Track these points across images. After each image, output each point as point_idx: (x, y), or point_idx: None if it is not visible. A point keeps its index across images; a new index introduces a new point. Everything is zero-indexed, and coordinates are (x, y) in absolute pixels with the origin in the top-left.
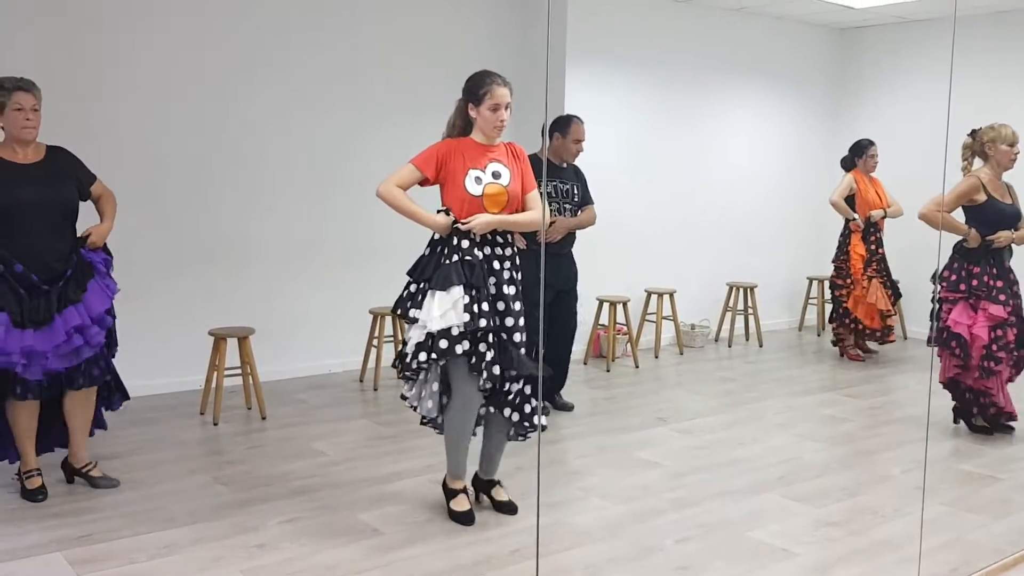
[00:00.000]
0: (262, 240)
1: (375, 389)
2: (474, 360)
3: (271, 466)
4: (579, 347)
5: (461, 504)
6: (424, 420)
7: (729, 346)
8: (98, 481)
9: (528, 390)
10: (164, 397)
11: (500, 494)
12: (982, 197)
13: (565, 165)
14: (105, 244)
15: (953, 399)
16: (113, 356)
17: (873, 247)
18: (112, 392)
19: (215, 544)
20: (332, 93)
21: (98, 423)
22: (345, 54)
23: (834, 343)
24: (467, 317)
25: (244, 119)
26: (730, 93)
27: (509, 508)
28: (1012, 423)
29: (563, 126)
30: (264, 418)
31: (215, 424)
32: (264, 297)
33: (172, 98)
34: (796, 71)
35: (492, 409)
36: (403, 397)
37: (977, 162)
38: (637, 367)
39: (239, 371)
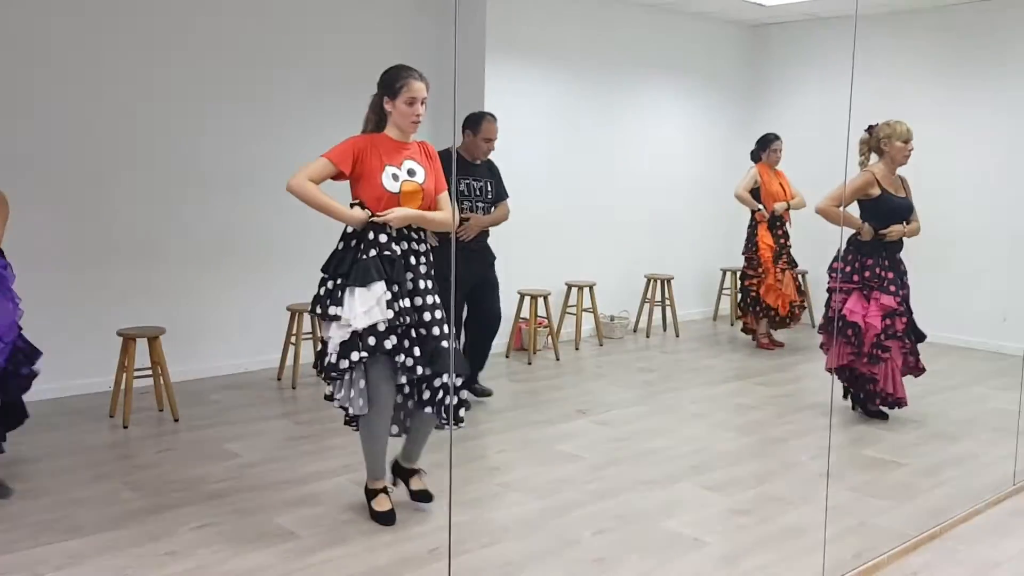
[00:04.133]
0: (172, 236)
1: (293, 388)
2: (396, 357)
3: (183, 470)
4: (501, 340)
5: (382, 504)
6: (348, 420)
7: (647, 337)
8: None
9: (445, 380)
10: (71, 400)
11: (417, 483)
12: (876, 192)
13: (478, 162)
14: (0, 250)
15: (842, 382)
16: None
17: (781, 239)
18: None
19: (123, 553)
20: (245, 86)
21: None
22: (258, 47)
23: (743, 330)
24: (391, 313)
25: (153, 112)
26: (647, 88)
27: (425, 496)
28: (897, 408)
29: (474, 124)
30: (176, 420)
31: (125, 427)
32: (175, 295)
33: (77, 89)
34: (710, 66)
35: (416, 403)
36: (327, 398)
37: (873, 157)
38: (558, 359)
39: (150, 372)
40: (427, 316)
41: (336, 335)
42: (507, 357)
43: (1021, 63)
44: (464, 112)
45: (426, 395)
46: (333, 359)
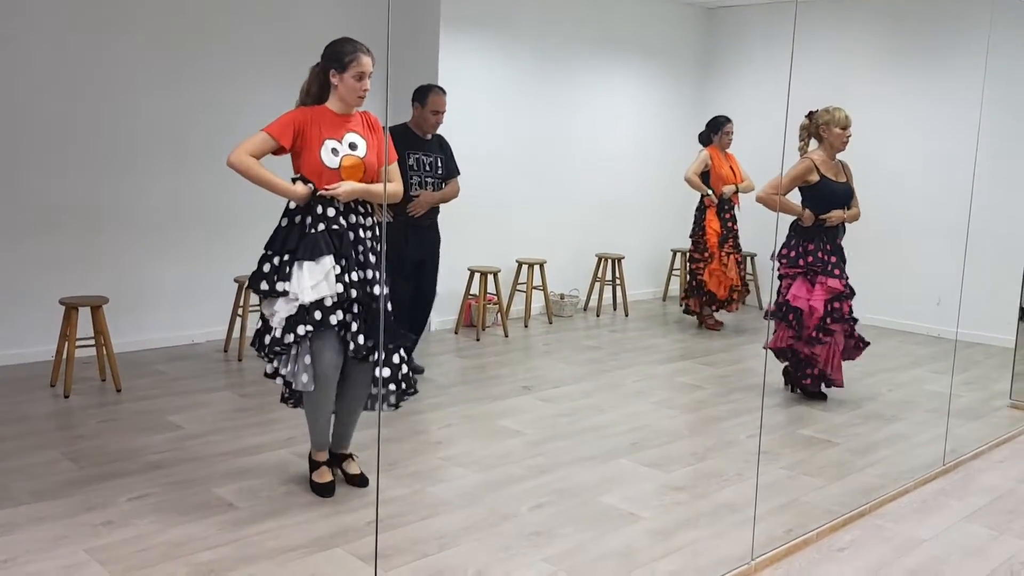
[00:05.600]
0: (118, 203)
1: (239, 360)
2: (343, 331)
3: (124, 440)
4: (450, 317)
5: (322, 476)
6: (285, 398)
7: (597, 315)
8: None
9: (396, 359)
10: (12, 369)
11: (352, 467)
12: (815, 178)
13: (429, 137)
14: None
15: (782, 362)
16: None
17: (728, 224)
18: None
19: (59, 522)
20: (192, 53)
21: None
22: (204, 15)
23: (685, 312)
24: (340, 288)
25: (101, 78)
26: (601, 66)
27: (361, 481)
28: (834, 387)
29: (422, 96)
30: (119, 390)
31: (66, 397)
32: (120, 264)
33: (16, 56)
34: (665, 48)
35: (353, 377)
36: (267, 375)
37: (813, 143)
38: (507, 336)
39: (93, 341)
40: (376, 290)
41: (283, 310)
42: (456, 333)
43: (962, 52)
44: (417, 86)
45: (371, 367)
46: (278, 334)
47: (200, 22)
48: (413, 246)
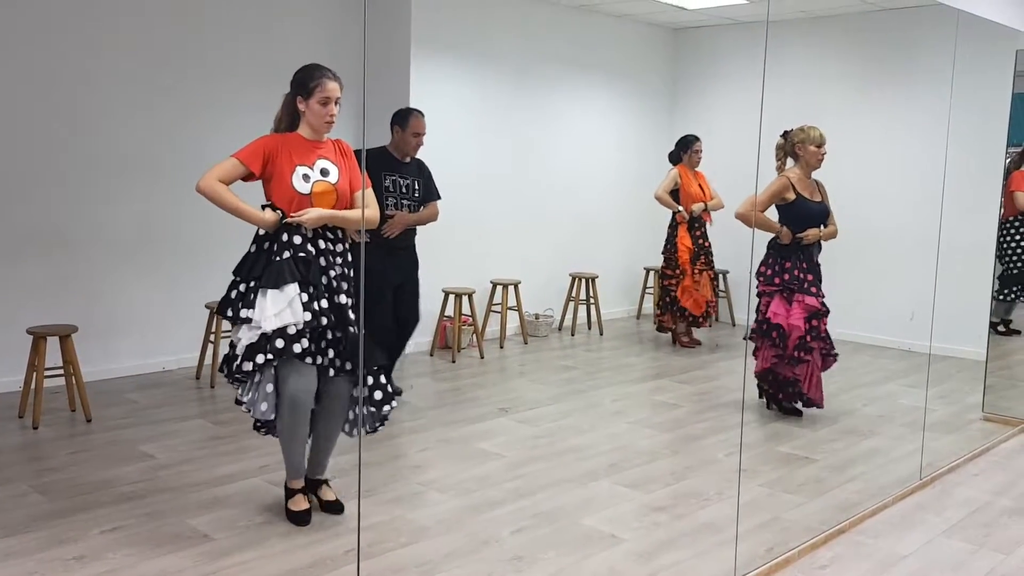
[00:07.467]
0: (86, 229)
1: (212, 387)
2: (317, 358)
3: (95, 472)
4: (425, 339)
5: (298, 504)
6: (257, 424)
7: (572, 335)
8: None
9: (370, 380)
10: None
11: (327, 493)
12: (792, 196)
13: (408, 160)
14: None
15: (767, 387)
16: None
17: (700, 241)
18: None
19: (28, 558)
20: (163, 77)
21: None
22: (177, 38)
23: (659, 329)
24: (308, 316)
25: (70, 102)
26: (572, 88)
27: (336, 508)
28: (816, 408)
29: (402, 119)
30: (89, 420)
31: (35, 428)
32: (89, 291)
33: None
34: (635, 68)
35: (328, 402)
36: (238, 402)
37: (789, 162)
38: (482, 358)
39: (62, 371)
40: (351, 315)
41: (245, 337)
42: (431, 355)
43: (929, 69)
44: (388, 109)
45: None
46: (239, 361)
47: (170, 46)
48: (390, 268)
